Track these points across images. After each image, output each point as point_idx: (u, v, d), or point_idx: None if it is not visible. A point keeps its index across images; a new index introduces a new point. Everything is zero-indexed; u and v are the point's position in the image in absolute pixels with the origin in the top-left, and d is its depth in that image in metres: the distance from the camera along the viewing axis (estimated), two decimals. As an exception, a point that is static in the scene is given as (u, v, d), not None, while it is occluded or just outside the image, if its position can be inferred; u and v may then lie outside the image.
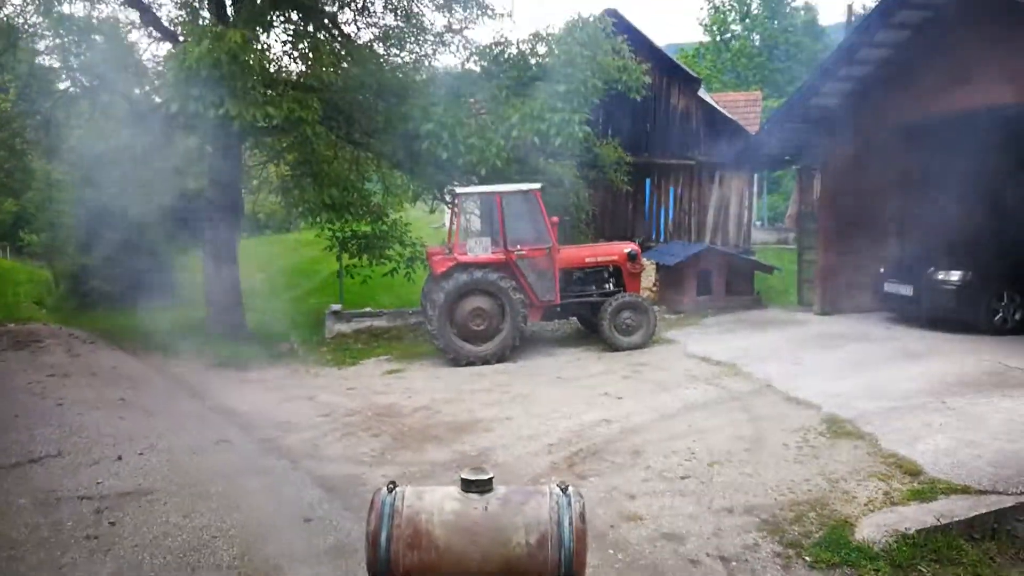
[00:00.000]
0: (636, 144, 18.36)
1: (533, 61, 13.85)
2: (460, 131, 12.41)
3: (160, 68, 13.50)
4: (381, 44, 14.84)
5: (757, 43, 44.85)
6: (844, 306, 13.94)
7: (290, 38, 14.21)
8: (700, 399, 8.93)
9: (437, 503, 2.54)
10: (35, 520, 5.86)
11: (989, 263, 11.81)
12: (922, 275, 12.19)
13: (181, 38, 13.15)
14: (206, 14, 13.37)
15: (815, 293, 14.43)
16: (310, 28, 14.20)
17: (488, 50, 14.22)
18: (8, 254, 33.18)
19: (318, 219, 14.92)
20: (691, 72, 21.52)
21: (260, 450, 7.85)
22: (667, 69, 19.33)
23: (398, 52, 14.96)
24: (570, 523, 2.52)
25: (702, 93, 20.67)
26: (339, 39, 14.66)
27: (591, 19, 13.78)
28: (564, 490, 2.64)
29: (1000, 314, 11.65)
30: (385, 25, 14.99)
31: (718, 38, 45.81)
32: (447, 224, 15.32)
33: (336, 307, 15.40)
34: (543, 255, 12.15)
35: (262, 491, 6.54)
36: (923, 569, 5.03)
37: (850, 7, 25.07)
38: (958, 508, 5.59)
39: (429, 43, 14.98)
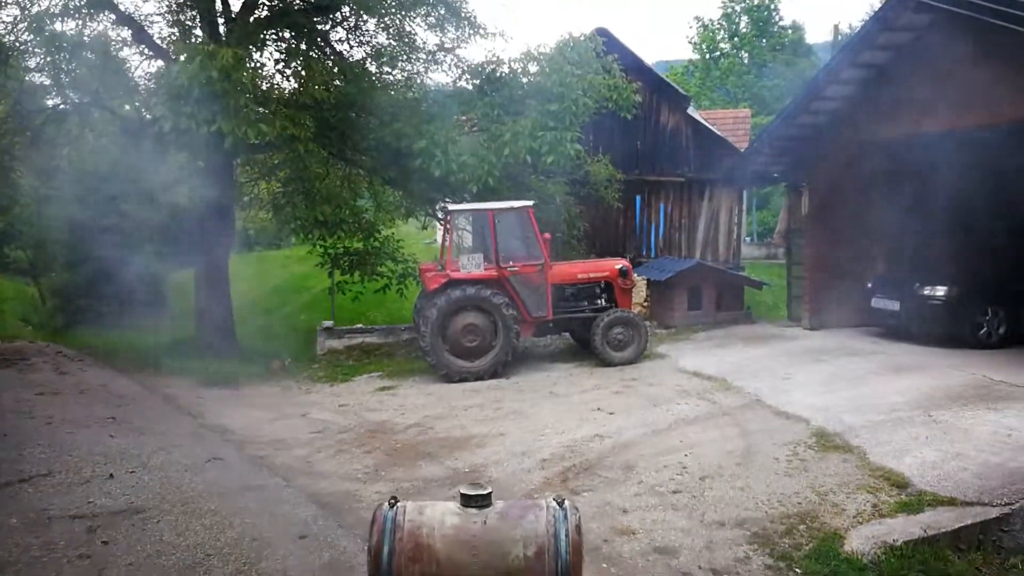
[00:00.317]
0: (626, 161, 18.47)
1: (525, 80, 13.95)
2: (452, 149, 12.49)
3: (151, 85, 13.52)
4: (373, 62, 14.94)
5: (746, 61, 45.24)
6: (832, 321, 14.05)
7: (283, 56, 14.27)
8: (691, 414, 8.99)
9: (437, 518, 2.59)
10: (26, 540, 5.81)
11: (974, 279, 11.98)
12: (908, 291, 12.34)
13: (173, 56, 13.22)
14: (199, 32, 13.43)
15: (804, 308, 14.53)
16: (303, 46, 14.27)
17: (480, 69, 14.32)
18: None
19: (310, 236, 14.95)
20: (680, 90, 21.69)
21: (253, 467, 7.84)
22: (657, 87, 19.49)
23: (390, 70, 15.06)
24: (566, 535, 2.58)
25: (691, 111, 20.82)
26: (331, 57, 14.75)
27: (582, 38, 13.93)
28: (560, 504, 2.69)
29: (984, 328, 11.80)
30: (377, 44, 15.10)
31: (707, 56, 46.17)
32: (439, 241, 15.39)
33: (328, 323, 15.41)
34: (535, 271, 12.22)
35: (256, 509, 6.53)
36: (912, 580, 5.10)
37: (836, 26, 25.38)
38: (944, 520, 5.69)
39: (421, 61, 15.08)
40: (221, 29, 13.29)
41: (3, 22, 12.95)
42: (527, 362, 12.87)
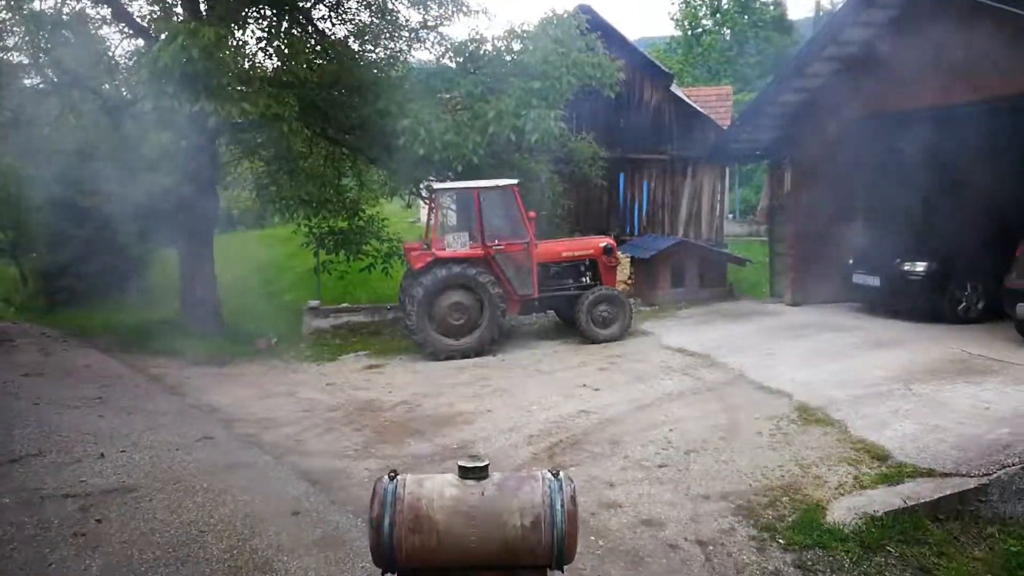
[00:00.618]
0: (610, 139, 18.50)
1: (508, 58, 13.93)
2: (437, 127, 12.48)
3: (132, 64, 13.40)
4: (356, 40, 14.85)
5: (728, 38, 45.18)
6: (814, 297, 14.20)
7: (265, 34, 14.17)
8: (676, 389, 9.11)
9: (437, 489, 2.66)
10: (20, 519, 5.87)
11: (953, 254, 12.07)
12: (889, 266, 12.45)
13: (154, 34, 13.09)
14: (180, 10, 13.29)
15: (786, 285, 14.66)
16: (284, 24, 14.15)
17: (463, 47, 14.27)
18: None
19: (294, 215, 14.92)
20: (663, 67, 21.70)
21: (243, 446, 7.91)
22: (640, 65, 19.49)
23: (373, 48, 14.97)
24: (562, 506, 2.66)
25: (674, 88, 20.85)
26: (314, 35, 14.65)
27: (565, 16, 13.90)
28: (556, 475, 2.77)
29: (963, 303, 11.95)
30: (360, 21, 14.99)
31: (689, 32, 46.06)
32: (424, 219, 15.39)
33: (314, 303, 15.42)
34: (521, 250, 12.28)
35: (248, 486, 6.60)
36: (891, 549, 5.23)
37: (818, 2, 25.40)
38: (924, 490, 5.81)
39: (404, 39, 15.00)
40: (202, 7, 13.15)
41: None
42: (513, 340, 12.96)
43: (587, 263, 13.05)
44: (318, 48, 14.30)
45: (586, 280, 12.97)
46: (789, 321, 12.83)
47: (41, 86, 13.41)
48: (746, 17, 44.38)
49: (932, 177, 12.39)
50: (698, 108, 20.30)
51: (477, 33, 15.10)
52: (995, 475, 5.89)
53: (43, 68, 12.93)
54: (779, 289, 15.21)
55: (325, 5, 14.81)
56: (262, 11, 13.93)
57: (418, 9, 14.66)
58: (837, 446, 6.84)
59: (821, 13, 30.16)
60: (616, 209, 19.87)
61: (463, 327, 11.91)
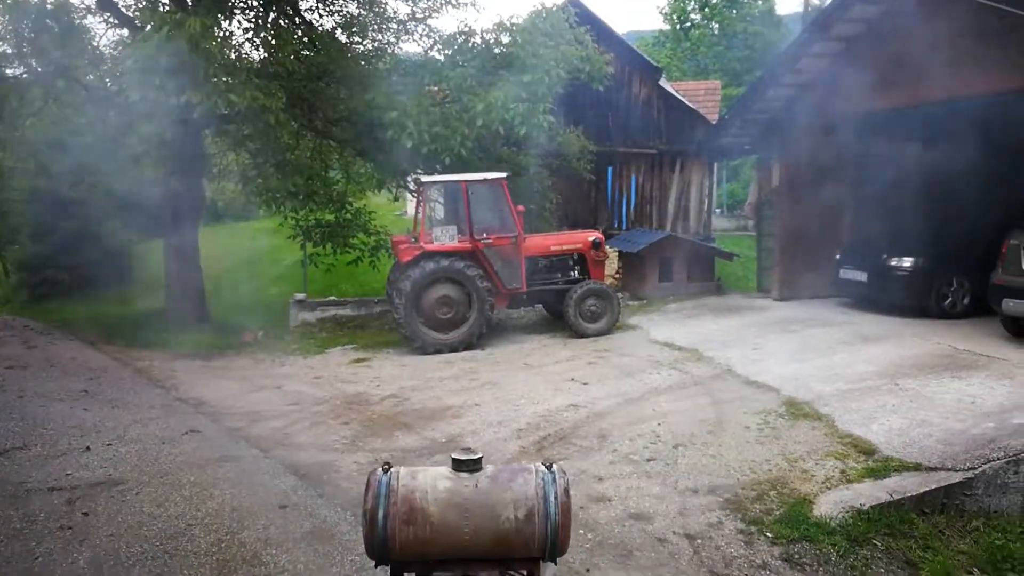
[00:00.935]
0: (598, 133, 18.50)
1: (497, 51, 13.90)
2: (424, 120, 12.43)
3: (117, 55, 13.28)
4: (343, 32, 14.78)
5: (716, 32, 45.23)
6: (802, 292, 14.26)
7: (251, 25, 14.08)
8: (664, 384, 9.12)
9: (430, 482, 2.65)
10: (6, 512, 5.83)
11: (939, 250, 12.13)
12: (876, 262, 12.51)
13: (139, 24, 12.98)
14: (165, 0, 13.19)
15: (774, 279, 14.70)
16: (272, 15, 14.07)
17: (452, 39, 14.23)
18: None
19: (281, 207, 14.86)
20: (652, 62, 21.72)
21: (230, 439, 7.87)
22: (629, 59, 19.50)
23: (360, 40, 14.91)
24: (555, 498, 2.66)
25: (663, 83, 20.88)
26: (301, 26, 14.57)
27: (554, 9, 13.89)
28: (549, 468, 2.77)
29: (950, 299, 12.02)
30: (347, 13, 14.93)
31: (677, 27, 46.10)
32: (412, 212, 15.35)
33: (300, 296, 15.37)
34: (509, 243, 12.26)
35: (235, 479, 6.58)
36: (877, 543, 5.28)
37: (806, -3, 25.43)
38: (910, 484, 5.85)
39: (392, 31, 14.96)
40: (188, -3, 13.05)
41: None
42: (501, 334, 12.96)
43: (575, 257, 13.05)
44: (305, 39, 14.22)
45: (574, 274, 12.96)
46: (777, 316, 12.88)
47: (24, 76, 13.25)
48: (734, 12, 44.45)
49: (919, 173, 12.44)
50: (687, 103, 20.33)
51: (466, 26, 15.12)
52: (980, 469, 5.93)
53: (26, 58, 12.77)
54: (767, 284, 15.26)
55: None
56: (249, 1, 13.85)
57: (406, 1, 14.62)
58: (824, 440, 6.87)
59: (809, 8, 30.19)
60: (604, 203, 19.89)
61: (451, 321, 11.89)
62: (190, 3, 12.89)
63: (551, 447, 7.23)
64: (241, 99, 11.34)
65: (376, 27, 14.95)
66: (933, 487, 5.79)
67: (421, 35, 14.99)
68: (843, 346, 10.36)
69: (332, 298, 15.84)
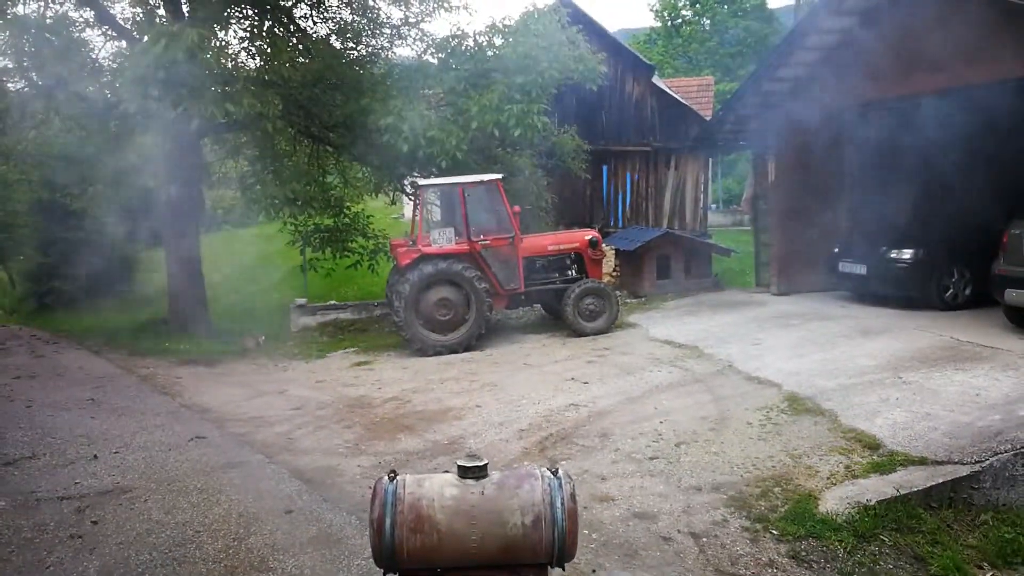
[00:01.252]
0: (592, 132, 18.56)
1: (490, 53, 13.94)
2: (420, 123, 12.47)
3: (115, 66, 13.32)
4: (338, 38, 14.82)
5: (707, 27, 45.28)
6: (801, 286, 14.29)
7: (247, 34, 14.11)
8: (664, 381, 9.15)
9: (437, 489, 2.69)
10: (17, 522, 5.90)
11: (940, 241, 12.05)
12: (875, 254, 12.47)
13: (136, 35, 13.02)
14: (162, 12, 13.22)
15: (772, 274, 14.74)
16: (267, 24, 14.10)
17: (445, 43, 14.27)
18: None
19: (280, 214, 14.91)
20: (645, 59, 21.78)
21: (235, 445, 7.92)
22: (621, 57, 19.57)
23: (355, 46, 14.95)
24: (562, 503, 2.69)
25: (656, 80, 20.93)
26: (296, 34, 14.60)
27: (546, 10, 13.92)
28: (555, 473, 2.80)
29: (951, 290, 11.98)
30: (341, 19, 14.97)
31: (669, 23, 46.17)
32: (409, 216, 15.39)
33: (301, 301, 15.41)
34: (506, 244, 12.32)
35: (241, 485, 6.63)
36: (884, 538, 5.25)
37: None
38: (916, 479, 5.81)
39: (385, 36, 15.01)
40: (184, 8, 13.09)
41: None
42: (500, 334, 13.00)
43: (572, 256, 13.11)
44: (300, 47, 14.28)
45: (572, 273, 13.02)
46: (776, 311, 12.90)
47: (26, 89, 13.31)
48: (726, 7, 44.49)
49: (918, 164, 12.46)
50: (680, 99, 20.39)
51: (458, 29, 15.17)
52: (987, 462, 5.87)
53: (27, 72, 12.82)
54: (765, 279, 15.29)
55: (307, 4, 14.80)
56: (244, 11, 13.88)
57: (399, 6, 14.67)
58: (828, 436, 6.85)
59: (801, 2, 30.23)
60: (600, 202, 19.96)
61: (450, 322, 11.95)
62: (186, 14, 12.93)
63: (553, 447, 7.27)
64: (238, 107, 11.38)
65: (370, 33, 15.00)
66: (940, 481, 5.73)
67: (414, 40, 15.06)
68: (844, 340, 10.37)
69: (332, 302, 15.89)
